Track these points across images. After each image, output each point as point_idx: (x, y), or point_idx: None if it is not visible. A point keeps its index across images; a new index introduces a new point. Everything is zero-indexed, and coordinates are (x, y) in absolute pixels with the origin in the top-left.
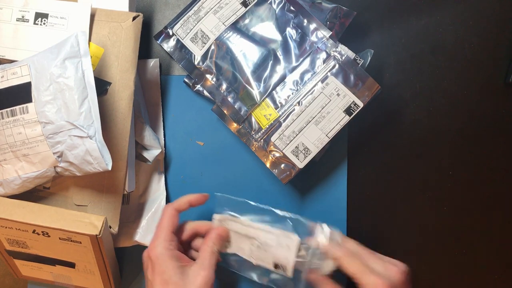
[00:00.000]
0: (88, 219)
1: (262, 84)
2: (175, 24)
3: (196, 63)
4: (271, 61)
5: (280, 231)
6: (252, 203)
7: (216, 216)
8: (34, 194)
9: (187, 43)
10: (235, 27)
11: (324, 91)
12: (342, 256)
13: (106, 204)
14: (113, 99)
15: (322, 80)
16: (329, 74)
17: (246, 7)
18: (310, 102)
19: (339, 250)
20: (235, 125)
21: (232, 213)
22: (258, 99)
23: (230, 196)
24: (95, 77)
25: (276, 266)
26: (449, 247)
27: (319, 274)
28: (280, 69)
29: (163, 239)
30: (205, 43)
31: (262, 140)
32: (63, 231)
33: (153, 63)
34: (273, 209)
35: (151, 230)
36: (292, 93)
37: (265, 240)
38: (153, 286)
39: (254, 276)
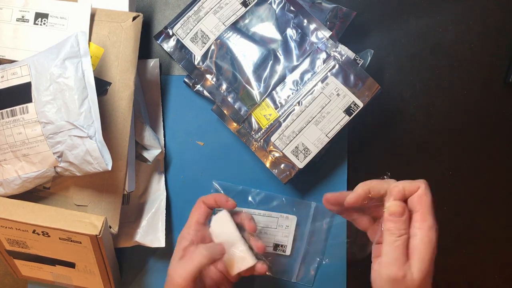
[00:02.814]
0: (88, 219)
1: (262, 84)
2: (175, 24)
3: (196, 63)
4: (271, 61)
5: (279, 214)
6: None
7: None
8: (34, 194)
9: (187, 43)
10: (235, 27)
11: (324, 91)
12: (360, 185)
13: (106, 204)
14: (113, 99)
15: (322, 80)
16: (329, 74)
17: (246, 7)
18: (310, 102)
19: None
20: (235, 125)
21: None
22: (258, 99)
23: (227, 183)
24: (95, 77)
25: (276, 246)
26: (449, 247)
27: None
28: (280, 69)
29: (186, 226)
30: (205, 43)
31: (262, 140)
32: (63, 231)
33: (153, 63)
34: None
35: (151, 230)
36: (292, 93)
37: (265, 224)
38: None
39: None
